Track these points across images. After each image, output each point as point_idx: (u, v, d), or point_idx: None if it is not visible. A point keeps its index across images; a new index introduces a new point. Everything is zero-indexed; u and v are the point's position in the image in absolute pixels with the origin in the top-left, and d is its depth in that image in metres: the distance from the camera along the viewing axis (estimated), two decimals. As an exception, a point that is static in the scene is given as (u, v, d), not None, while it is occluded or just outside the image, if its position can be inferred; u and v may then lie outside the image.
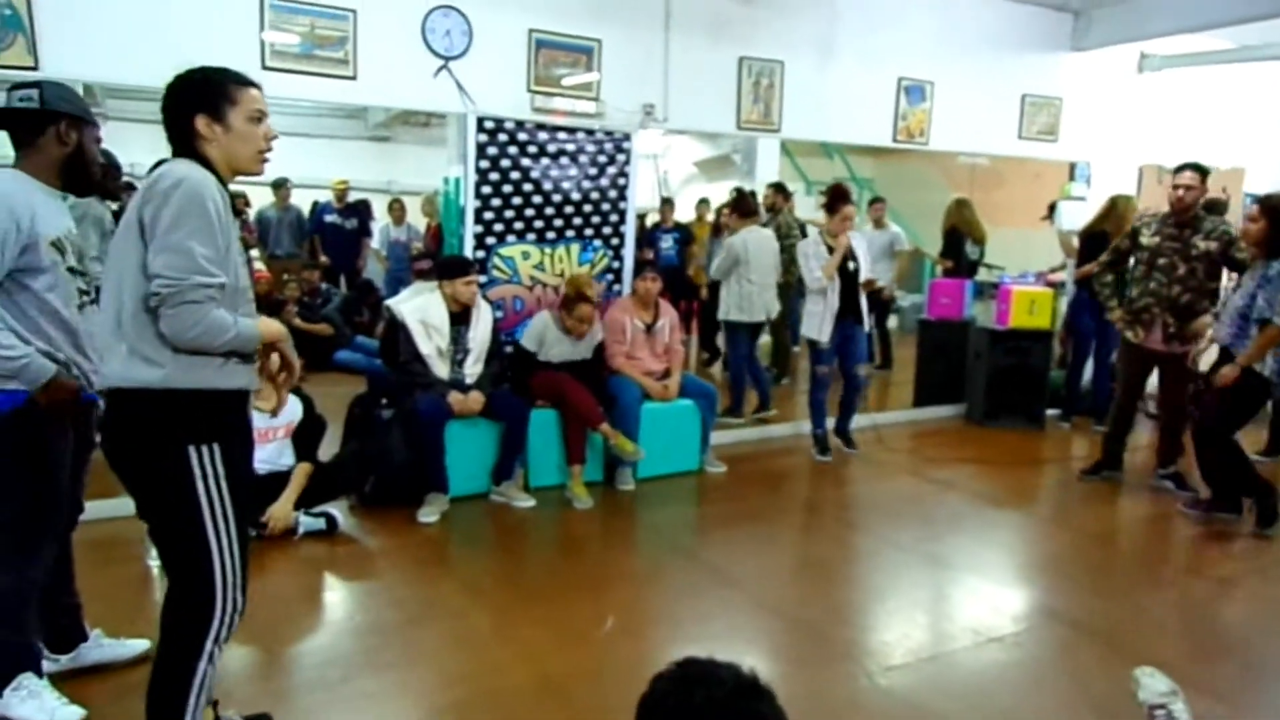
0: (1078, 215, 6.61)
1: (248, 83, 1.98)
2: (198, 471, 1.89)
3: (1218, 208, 6.31)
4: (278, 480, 3.78)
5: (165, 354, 1.84)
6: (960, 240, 7.07)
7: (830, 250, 4.94)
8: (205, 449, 1.90)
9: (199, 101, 1.91)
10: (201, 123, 1.90)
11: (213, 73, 1.96)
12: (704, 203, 8.92)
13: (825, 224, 5.06)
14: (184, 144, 1.92)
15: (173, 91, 1.94)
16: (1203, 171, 4.35)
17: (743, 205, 5.87)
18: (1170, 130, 6.89)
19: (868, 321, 5.32)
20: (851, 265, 5.01)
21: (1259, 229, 3.94)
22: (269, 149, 2.02)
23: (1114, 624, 3.26)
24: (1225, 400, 3.99)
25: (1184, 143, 6.99)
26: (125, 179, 4.72)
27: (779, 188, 7.00)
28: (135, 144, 6.64)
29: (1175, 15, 5.77)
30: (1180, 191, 4.34)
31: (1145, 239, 4.51)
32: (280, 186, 8.59)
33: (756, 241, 5.68)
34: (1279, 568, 3.73)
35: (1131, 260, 4.61)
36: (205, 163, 1.91)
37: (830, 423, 5.30)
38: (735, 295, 5.64)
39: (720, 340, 7.31)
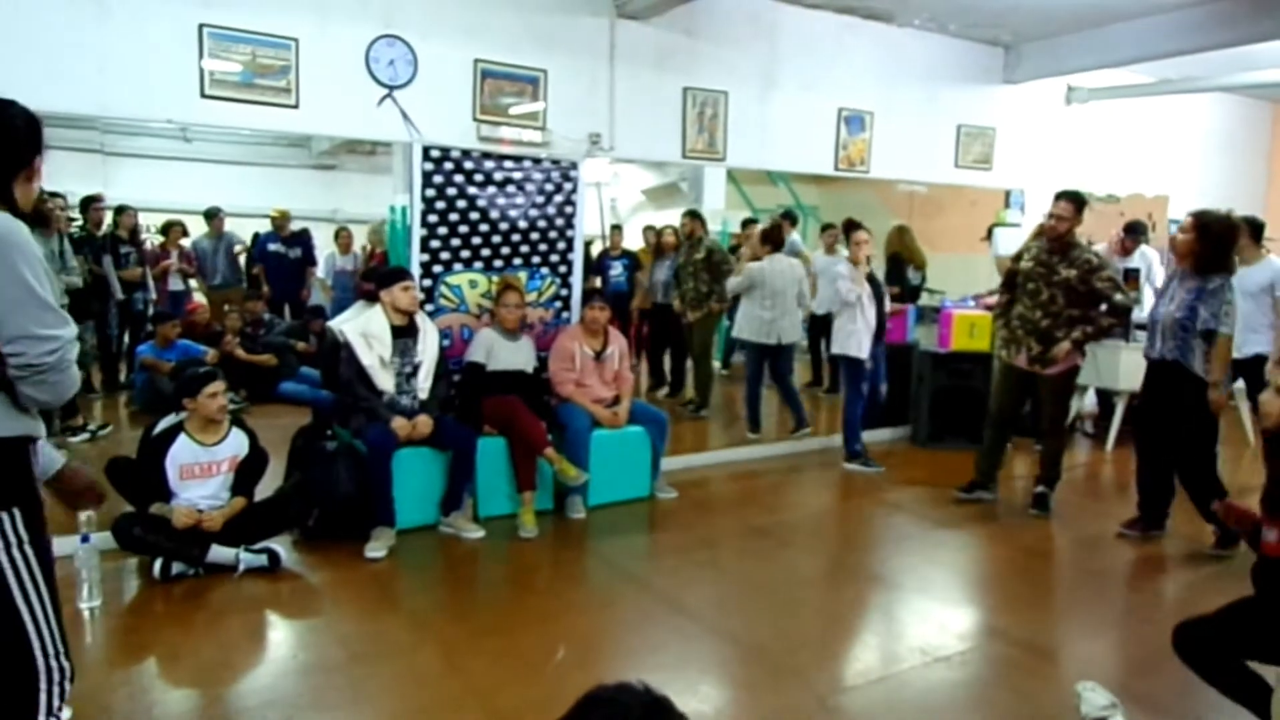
0: (1013, 241, 6.82)
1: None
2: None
3: (1138, 229, 6.58)
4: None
5: None
6: (903, 266, 7.23)
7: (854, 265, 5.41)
8: (4, 515, 1.74)
9: (38, 143, 1.83)
10: (39, 163, 1.82)
11: (34, 117, 1.84)
12: (650, 229, 8.98)
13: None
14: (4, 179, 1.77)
15: (17, 127, 1.80)
16: (1078, 201, 4.48)
17: (772, 236, 6.11)
18: (1098, 159, 7.18)
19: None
20: (883, 290, 5.57)
21: (1188, 240, 4.02)
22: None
23: (1056, 640, 3.33)
24: (1204, 418, 4.01)
25: (1111, 171, 7.31)
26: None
27: (694, 215, 7.14)
28: (64, 172, 6.45)
29: (1097, 51, 6.04)
30: (1053, 220, 4.47)
31: (1024, 263, 4.65)
32: (213, 216, 8.45)
33: (777, 270, 5.92)
34: (1215, 580, 3.85)
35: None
36: (10, 201, 1.76)
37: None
38: (745, 316, 6.02)
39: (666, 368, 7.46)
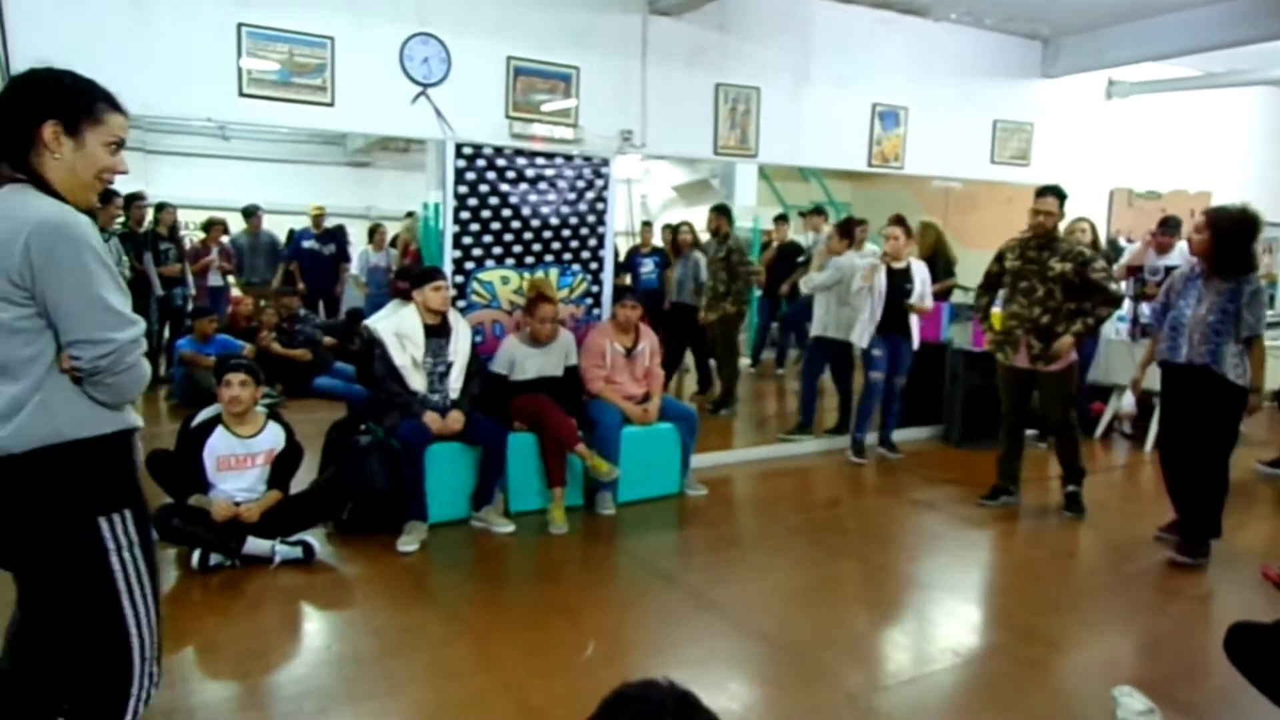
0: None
1: (118, 107, 1.75)
2: (110, 545, 1.71)
3: (1171, 224, 6.44)
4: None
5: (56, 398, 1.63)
6: (945, 264, 7.12)
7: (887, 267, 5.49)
8: (116, 518, 1.71)
9: (53, 106, 1.65)
10: (49, 131, 1.64)
11: (84, 83, 1.71)
12: (668, 227, 8.95)
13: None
14: (15, 152, 1.65)
15: (25, 87, 1.68)
16: (1061, 196, 4.48)
17: (849, 230, 6.00)
18: (1139, 155, 7.04)
19: (915, 339, 5.68)
20: (907, 285, 5.49)
21: (1202, 240, 3.91)
22: (109, 180, 1.77)
23: (1090, 642, 3.28)
24: (1230, 423, 3.93)
25: (1153, 166, 7.17)
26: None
27: (721, 210, 7.10)
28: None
29: (1140, 44, 5.91)
30: (1040, 217, 4.44)
31: (1009, 262, 4.61)
32: (251, 214, 8.61)
33: (851, 267, 5.80)
34: (1257, 586, 3.77)
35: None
36: (41, 182, 1.65)
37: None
38: (833, 315, 5.83)
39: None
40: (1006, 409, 4.77)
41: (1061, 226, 4.95)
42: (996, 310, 4.88)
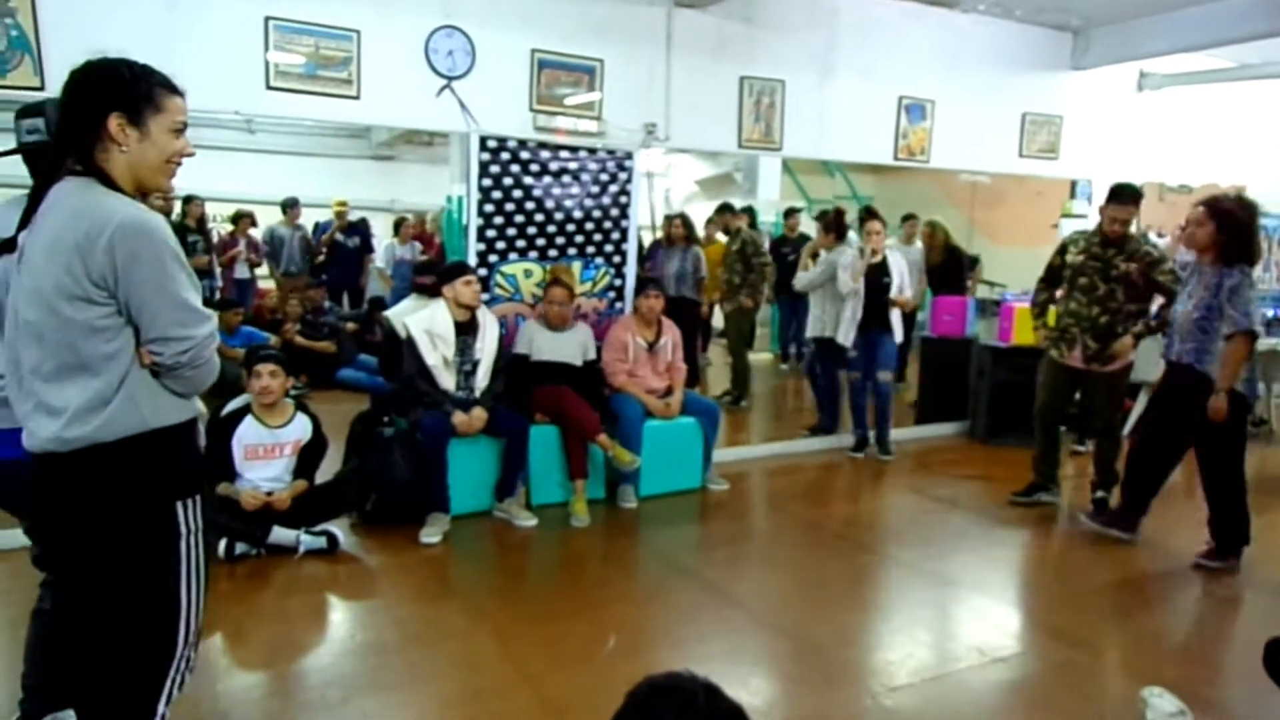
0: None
1: (175, 90, 1.73)
2: (183, 529, 1.76)
3: None
4: (281, 498, 3.78)
5: (139, 391, 1.68)
6: (960, 260, 7.08)
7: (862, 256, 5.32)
8: (188, 503, 1.77)
9: (116, 99, 1.65)
10: (115, 124, 1.64)
11: (140, 70, 1.69)
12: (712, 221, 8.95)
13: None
14: (78, 147, 1.66)
15: (83, 82, 1.67)
16: (1139, 200, 4.32)
17: (838, 224, 5.84)
18: (1171, 147, 6.92)
19: (899, 333, 5.51)
20: (885, 279, 5.32)
21: (1206, 232, 3.71)
22: (179, 164, 1.76)
23: (1120, 643, 3.23)
24: (1222, 428, 3.71)
25: (1185, 160, 7.04)
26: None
27: (726, 208, 7.09)
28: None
29: (1173, 35, 5.80)
30: (1117, 225, 4.27)
31: (1070, 256, 4.45)
32: (291, 206, 8.72)
33: (845, 262, 5.64)
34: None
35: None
36: (103, 176, 1.66)
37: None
38: (831, 313, 5.57)
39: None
40: (1045, 405, 4.61)
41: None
42: (1053, 307, 4.68)
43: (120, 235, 1.59)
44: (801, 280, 5.77)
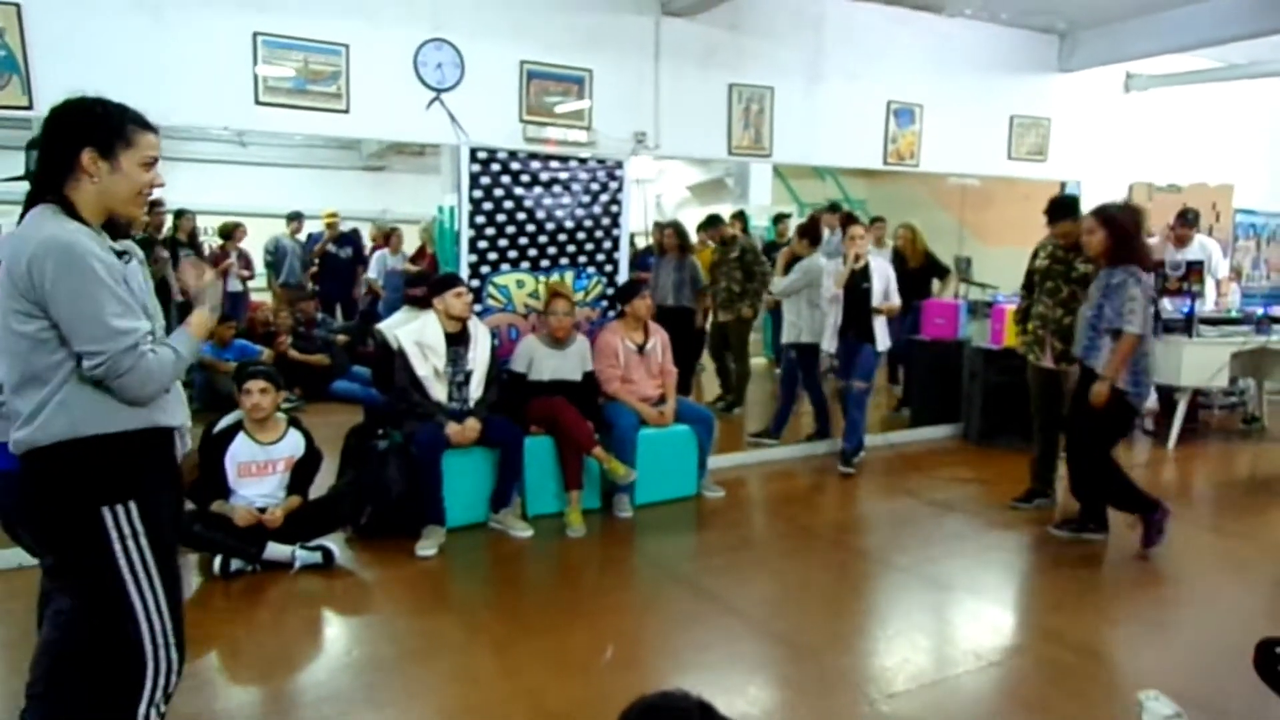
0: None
1: (147, 126, 1.87)
2: (113, 534, 1.81)
3: (1189, 217, 6.37)
4: (275, 514, 3.77)
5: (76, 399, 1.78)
6: (935, 269, 7.02)
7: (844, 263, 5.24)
8: (120, 509, 1.82)
9: (88, 134, 1.79)
10: (87, 157, 1.78)
11: (113, 108, 1.84)
12: (657, 226, 8.91)
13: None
14: (53, 178, 1.80)
15: (61, 118, 1.82)
16: (1068, 213, 4.43)
17: (813, 230, 5.89)
18: (1159, 148, 6.96)
19: (884, 340, 5.31)
20: (863, 284, 5.20)
21: (1099, 240, 3.92)
22: (149, 195, 1.91)
23: (1114, 644, 3.24)
24: (1096, 418, 3.92)
25: (1172, 160, 7.09)
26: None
27: (715, 220, 7.12)
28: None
29: (1159, 36, 5.85)
30: (1063, 240, 4.43)
31: (1038, 261, 4.59)
32: (295, 219, 8.76)
33: (817, 269, 5.66)
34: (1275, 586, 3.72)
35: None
36: (67, 204, 1.79)
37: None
38: (806, 319, 5.61)
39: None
40: (1036, 409, 4.69)
41: None
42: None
43: (37, 254, 1.71)
44: (778, 286, 5.79)
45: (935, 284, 6.79)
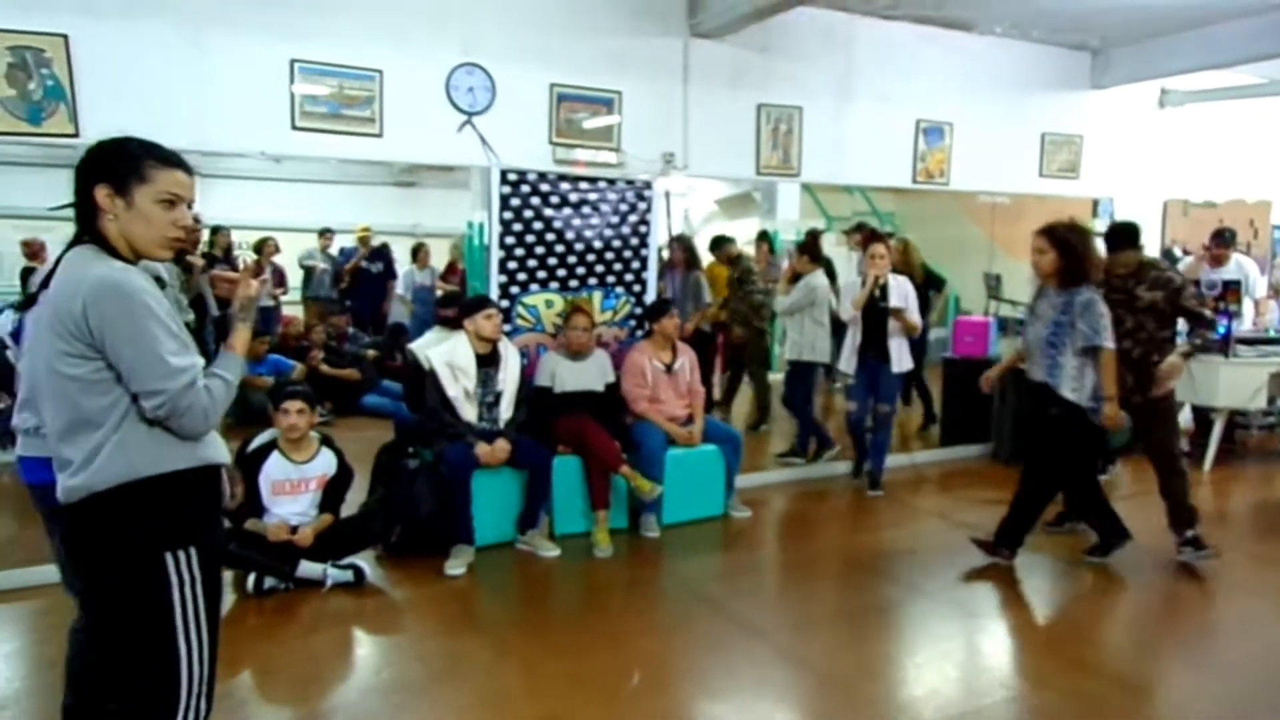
0: (1102, 252, 6.59)
1: (173, 164, 1.82)
2: (174, 579, 1.80)
3: (1226, 237, 6.26)
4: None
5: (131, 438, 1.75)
6: (932, 277, 6.93)
7: (864, 284, 5.18)
8: (181, 554, 1.81)
9: (104, 171, 1.78)
10: (101, 194, 1.77)
11: (131, 145, 1.81)
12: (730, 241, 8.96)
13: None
14: (82, 217, 1.80)
15: (85, 156, 1.81)
16: (1131, 241, 4.30)
17: (813, 248, 5.90)
18: (1193, 164, 6.87)
19: (905, 360, 5.25)
20: (880, 303, 5.13)
21: (1049, 260, 3.88)
22: (179, 235, 1.84)
23: (1150, 677, 3.19)
24: (1072, 441, 3.92)
25: (1208, 176, 6.99)
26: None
27: (723, 240, 7.12)
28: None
29: (1193, 53, 5.78)
30: (1120, 269, 4.22)
31: None
32: (325, 234, 8.92)
33: (822, 284, 5.68)
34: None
35: None
36: (104, 243, 1.79)
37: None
38: (810, 336, 5.65)
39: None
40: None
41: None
42: None
43: (91, 296, 1.70)
44: (780, 305, 5.80)
45: (933, 295, 6.74)
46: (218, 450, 1.90)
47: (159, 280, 1.89)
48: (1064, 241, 3.88)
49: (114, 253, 1.79)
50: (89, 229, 1.80)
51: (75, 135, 3.67)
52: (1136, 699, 3.03)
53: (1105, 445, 4.01)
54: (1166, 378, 4.18)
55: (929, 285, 6.71)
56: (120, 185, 1.77)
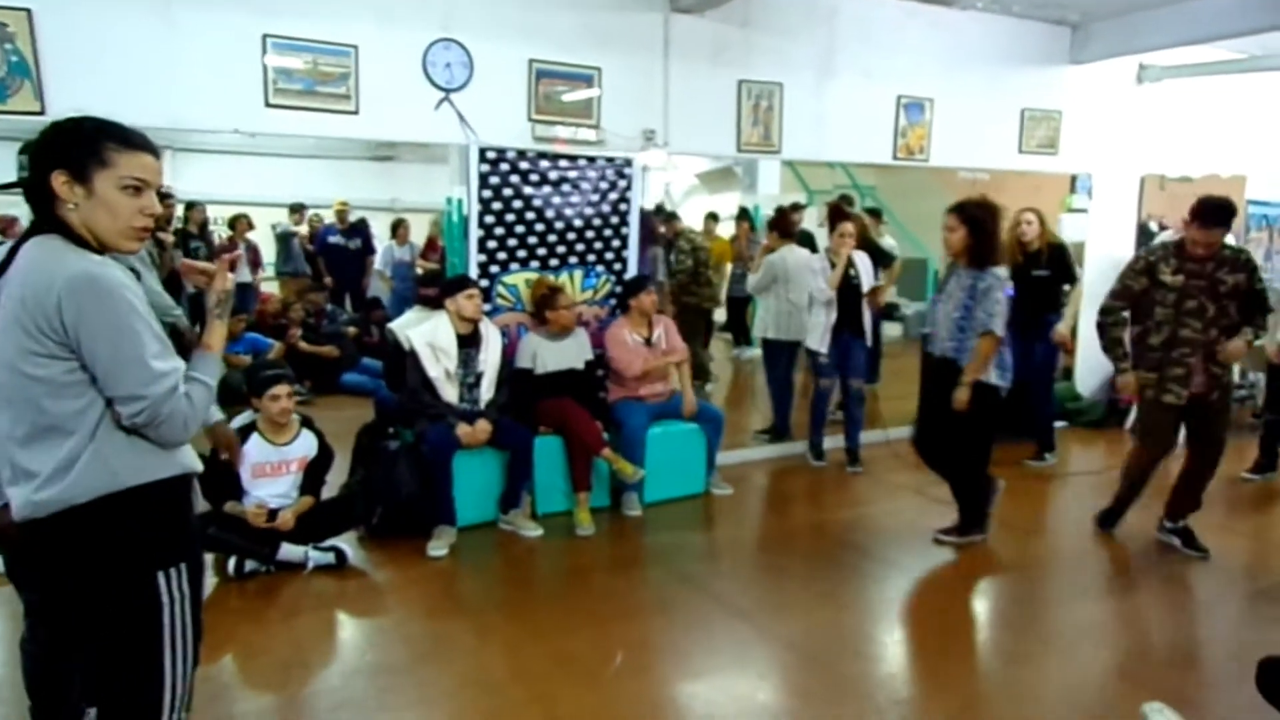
0: (1078, 228, 6.65)
1: (136, 146, 1.67)
2: (165, 599, 1.71)
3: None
4: (288, 516, 3.81)
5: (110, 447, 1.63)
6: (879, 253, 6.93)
7: (833, 265, 5.21)
8: (173, 572, 1.71)
9: (60, 156, 1.62)
10: (58, 181, 1.61)
11: (87, 126, 1.65)
12: (712, 217, 8.96)
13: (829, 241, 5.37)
14: (40, 205, 1.64)
15: (39, 141, 1.65)
16: (1228, 219, 3.85)
17: (782, 224, 5.89)
18: (1171, 139, 6.89)
19: (869, 336, 5.41)
20: (853, 277, 5.23)
21: (959, 237, 3.88)
22: (146, 225, 1.69)
23: (1125, 652, 3.26)
24: (973, 417, 3.94)
25: (1185, 151, 7.02)
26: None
27: (660, 212, 7.09)
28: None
29: (1173, 29, 5.77)
30: (1201, 249, 3.81)
31: (1167, 277, 3.87)
32: (297, 210, 8.80)
33: (795, 261, 5.65)
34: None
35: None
36: (67, 230, 1.63)
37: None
38: (774, 314, 5.68)
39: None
40: (1159, 450, 4.09)
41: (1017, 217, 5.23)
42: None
43: (67, 290, 1.56)
44: (751, 283, 5.82)
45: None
46: (193, 457, 1.80)
47: (134, 273, 1.76)
48: (974, 219, 3.87)
49: (80, 242, 1.64)
50: (48, 218, 1.64)
51: (41, 113, 3.57)
52: (1114, 672, 3.08)
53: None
54: (1232, 359, 3.90)
55: (877, 262, 6.74)
56: (79, 171, 1.61)
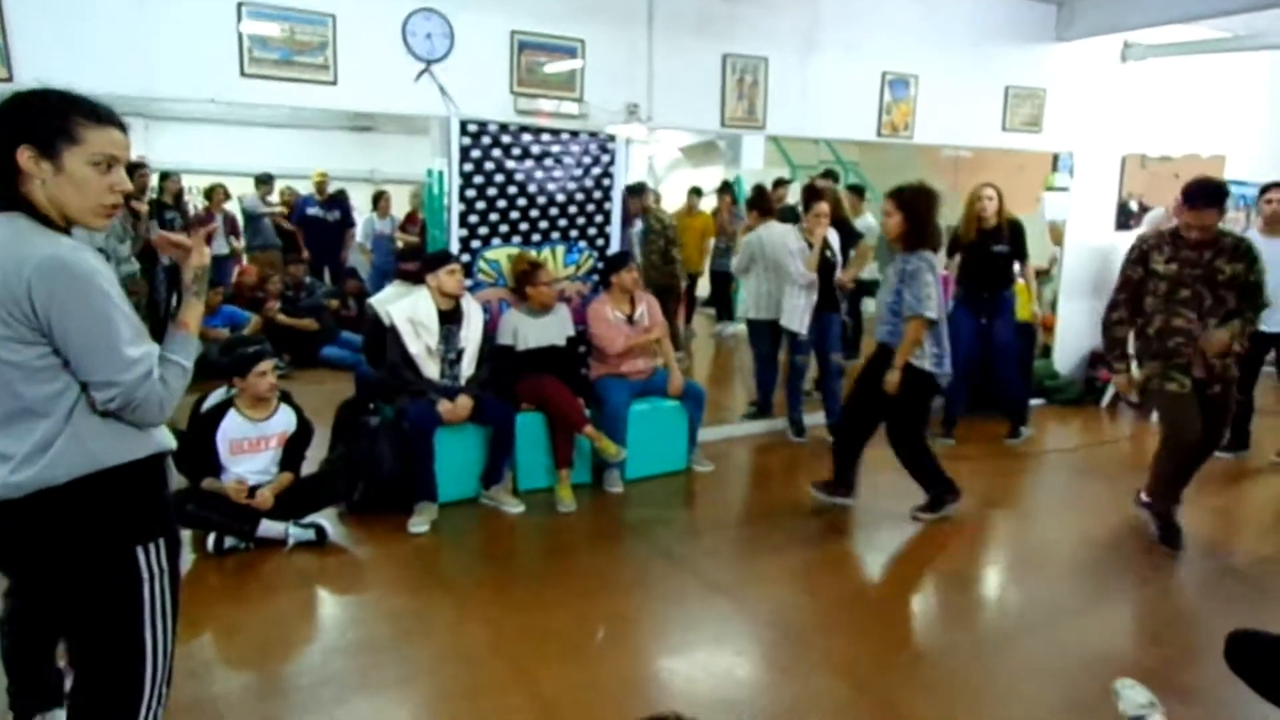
0: (1061, 207, 6.68)
1: (105, 120, 1.63)
2: (145, 574, 1.71)
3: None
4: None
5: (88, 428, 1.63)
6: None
7: (810, 246, 5.24)
8: (152, 547, 1.72)
9: (26, 130, 1.58)
10: (24, 157, 1.57)
11: (57, 98, 1.61)
12: (696, 192, 8.92)
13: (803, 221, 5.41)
14: (3, 180, 1.59)
15: (1, 113, 1.60)
16: (1220, 200, 3.70)
17: (761, 202, 5.85)
18: (1153, 118, 6.92)
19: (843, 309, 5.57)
20: (830, 255, 5.32)
21: (895, 222, 3.92)
22: (115, 202, 1.66)
23: (1096, 629, 3.31)
24: (903, 401, 4.02)
25: (1166, 131, 7.05)
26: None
27: (634, 189, 7.04)
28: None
29: (1160, 6, 5.75)
30: (1195, 233, 3.69)
31: (1159, 265, 3.78)
32: (265, 181, 8.62)
33: (772, 239, 5.58)
34: (1259, 565, 3.81)
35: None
36: (31, 208, 1.60)
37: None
38: (754, 294, 5.67)
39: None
40: (1189, 439, 3.83)
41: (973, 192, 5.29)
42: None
43: (38, 274, 1.54)
44: (733, 264, 5.87)
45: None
46: (168, 435, 1.80)
47: (102, 253, 1.75)
48: (909, 205, 3.91)
49: (46, 221, 1.61)
50: (10, 194, 1.59)
51: (9, 80, 3.48)
52: (1086, 649, 3.13)
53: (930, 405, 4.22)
54: (1209, 349, 3.70)
55: (846, 239, 6.75)
56: (46, 147, 1.57)
